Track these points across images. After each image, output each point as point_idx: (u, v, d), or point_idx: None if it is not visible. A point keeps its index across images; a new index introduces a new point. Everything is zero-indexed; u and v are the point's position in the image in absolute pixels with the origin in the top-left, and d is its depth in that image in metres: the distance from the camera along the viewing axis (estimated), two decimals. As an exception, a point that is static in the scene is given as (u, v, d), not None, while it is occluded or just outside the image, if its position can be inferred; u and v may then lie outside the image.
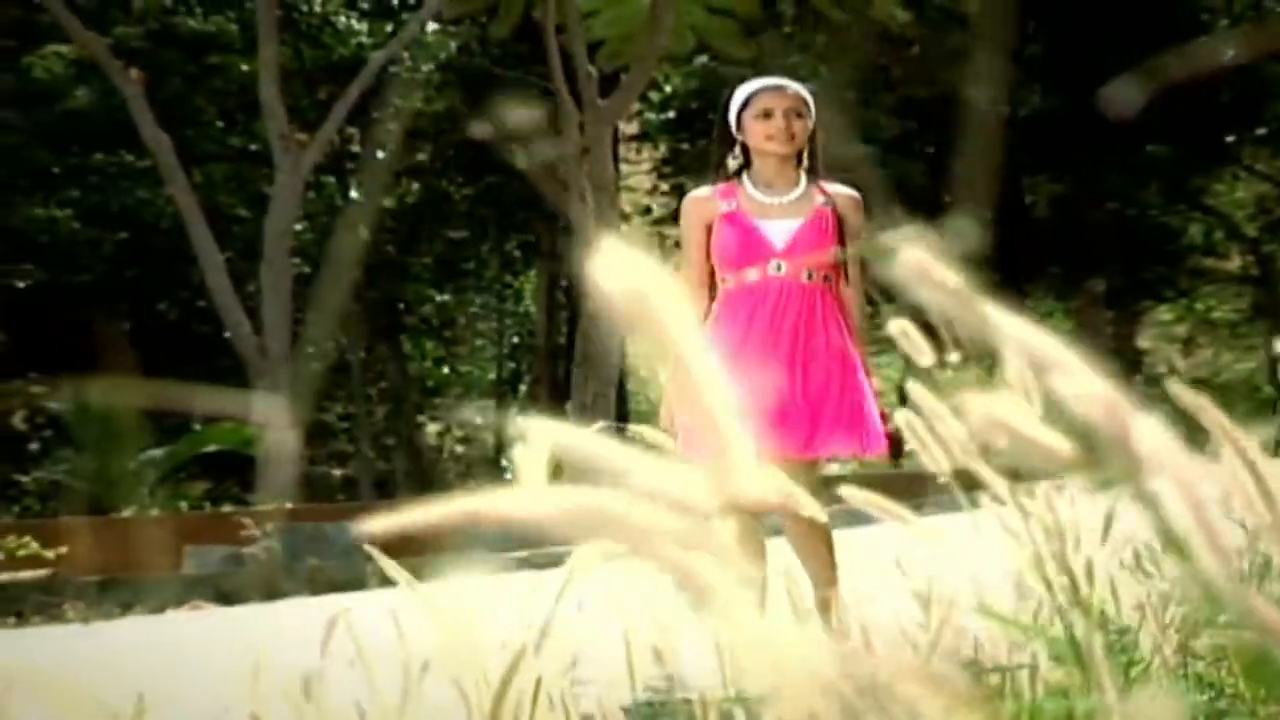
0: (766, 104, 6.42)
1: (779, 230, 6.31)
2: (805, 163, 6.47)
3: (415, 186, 37.54)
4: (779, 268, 6.28)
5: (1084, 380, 1.20)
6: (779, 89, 6.45)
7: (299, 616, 10.15)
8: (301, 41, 31.70)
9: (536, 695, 1.90)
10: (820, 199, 6.37)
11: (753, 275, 6.30)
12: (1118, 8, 30.79)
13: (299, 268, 27.69)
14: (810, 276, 6.29)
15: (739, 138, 6.47)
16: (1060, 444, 1.26)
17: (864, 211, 6.49)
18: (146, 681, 2.52)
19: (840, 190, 6.46)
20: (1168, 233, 35.50)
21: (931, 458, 2.17)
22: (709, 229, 6.38)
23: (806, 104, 6.43)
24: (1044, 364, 1.24)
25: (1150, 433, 1.18)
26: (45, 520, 21.95)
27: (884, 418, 6.32)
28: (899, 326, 2.25)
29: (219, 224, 25.04)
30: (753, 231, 6.31)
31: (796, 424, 6.02)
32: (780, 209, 6.37)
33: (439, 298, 37.58)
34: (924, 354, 2.23)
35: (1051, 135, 29.78)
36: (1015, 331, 1.23)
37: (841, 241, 6.35)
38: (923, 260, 1.27)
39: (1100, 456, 1.17)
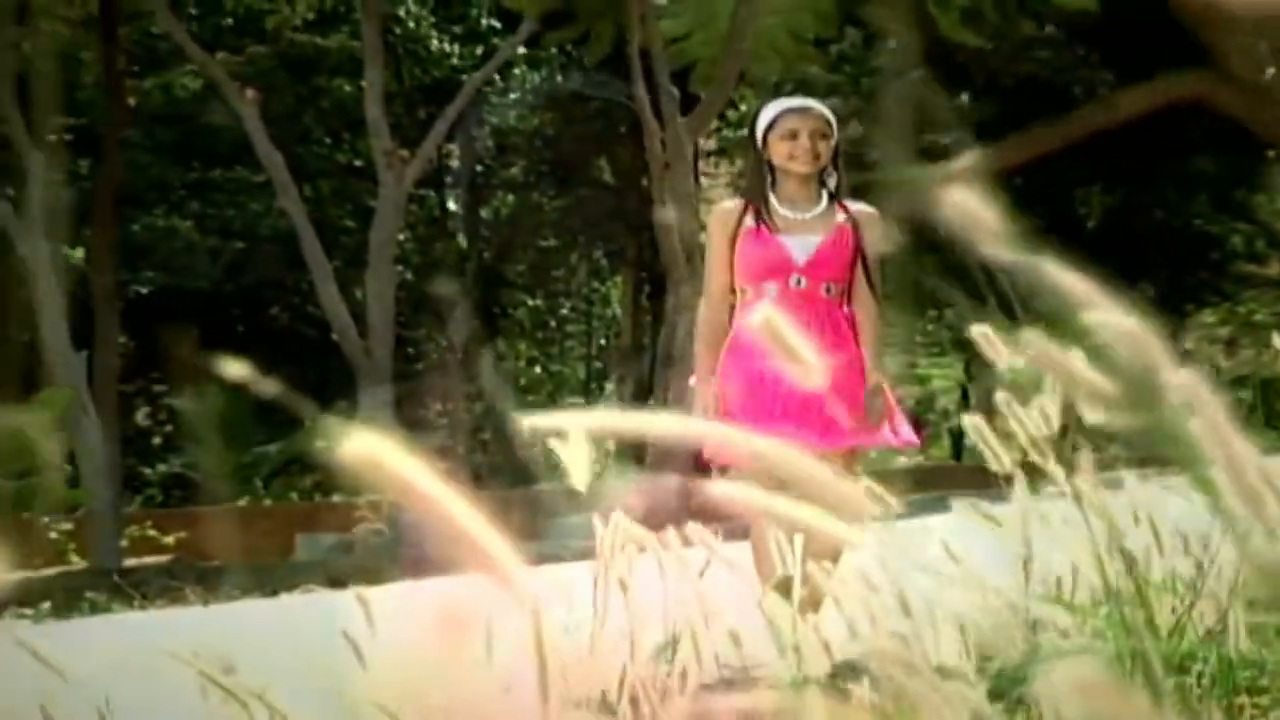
0: (792, 125, 6.36)
1: (801, 245, 6.25)
2: (829, 181, 6.44)
3: (509, 199, 37.69)
4: (799, 282, 6.22)
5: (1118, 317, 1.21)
6: (804, 110, 6.41)
7: (402, 599, 10.22)
8: (402, 64, 31.85)
9: (623, 681, 1.91)
10: (840, 216, 6.32)
11: (772, 288, 6.24)
12: (1164, 33, 30.62)
13: (401, 275, 27.81)
14: (829, 291, 6.25)
15: (765, 155, 6.43)
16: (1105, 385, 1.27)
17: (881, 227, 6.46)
18: (269, 657, 2.56)
19: (860, 208, 6.41)
20: (1212, 241, 35.27)
21: (994, 455, 2.17)
22: (733, 242, 6.33)
23: (830, 124, 6.39)
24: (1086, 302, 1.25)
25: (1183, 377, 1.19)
26: (168, 510, 22.15)
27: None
28: (979, 331, 2.25)
29: (327, 235, 25.16)
30: (776, 246, 6.25)
31: (816, 419, 5.97)
32: (802, 225, 6.31)
33: (531, 302, 37.70)
34: (1001, 356, 2.23)
35: (1103, 151, 29.60)
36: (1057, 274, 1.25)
37: (859, 257, 6.31)
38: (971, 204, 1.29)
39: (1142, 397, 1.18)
